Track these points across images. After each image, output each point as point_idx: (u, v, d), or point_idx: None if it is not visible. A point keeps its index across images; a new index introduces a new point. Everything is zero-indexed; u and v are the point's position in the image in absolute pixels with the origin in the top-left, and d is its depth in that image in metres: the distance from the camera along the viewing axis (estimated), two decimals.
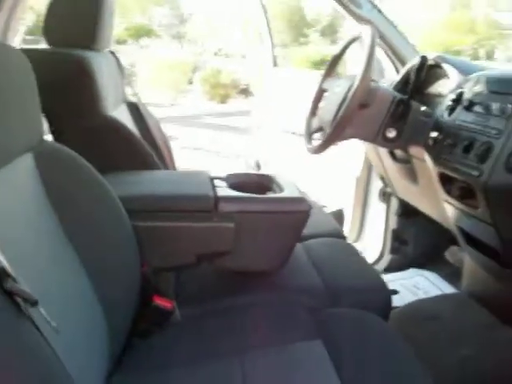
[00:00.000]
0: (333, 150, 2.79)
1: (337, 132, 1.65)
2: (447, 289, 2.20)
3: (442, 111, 1.64)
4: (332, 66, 1.93)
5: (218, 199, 1.22)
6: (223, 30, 14.67)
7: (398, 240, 2.47)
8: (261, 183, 1.40)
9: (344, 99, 1.72)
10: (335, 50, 1.92)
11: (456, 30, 12.18)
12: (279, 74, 3.40)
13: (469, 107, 1.48)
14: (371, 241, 2.60)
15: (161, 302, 1.13)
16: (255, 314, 1.16)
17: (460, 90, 1.59)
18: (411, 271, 2.39)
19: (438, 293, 2.16)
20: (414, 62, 2.00)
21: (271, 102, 3.37)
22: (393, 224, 2.47)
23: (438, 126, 1.60)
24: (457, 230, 1.63)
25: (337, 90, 1.80)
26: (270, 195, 1.27)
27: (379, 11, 2.16)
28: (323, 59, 10.66)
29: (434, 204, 1.86)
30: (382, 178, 2.35)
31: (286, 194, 1.26)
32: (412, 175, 1.89)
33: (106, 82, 1.61)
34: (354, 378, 0.96)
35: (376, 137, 1.75)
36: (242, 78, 10.63)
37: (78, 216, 0.95)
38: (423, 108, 1.76)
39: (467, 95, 1.52)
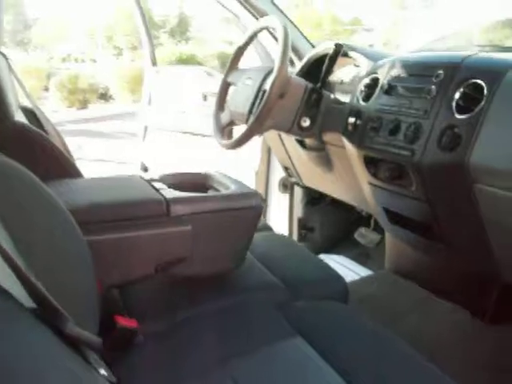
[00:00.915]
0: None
1: (258, 124, 1.62)
2: (359, 270, 2.27)
3: (355, 97, 1.67)
4: (236, 58, 1.90)
5: (168, 202, 1.12)
6: (71, 35, 14.08)
7: (304, 228, 2.51)
8: (199, 182, 1.33)
9: (259, 91, 1.70)
10: (239, 42, 1.88)
11: (304, 25, 12.74)
12: (160, 73, 3.29)
13: (388, 91, 1.52)
14: (277, 232, 2.61)
15: (124, 321, 1.02)
16: (224, 321, 1.09)
17: (373, 76, 1.63)
18: (321, 257, 2.43)
19: (352, 275, 2.21)
20: (314, 52, 2.03)
21: (155, 102, 3.26)
22: (298, 213, 2.50)
23: (355, 112, 1.63)
24: (381, 211, 1.68)
25: (248, 83, 1.77)
26: (223, 192, 1.20)
27: (273, 3, 2.16)
28: (180, 58, 10.63)
29: (350, 189, 1.91)
30: (286, 169, 2.37)
31: (236, 189, 1.21)
32: (326, 162, 1.91)
33: (5, 85, 1.44)
34: (350, 367, 0.94)
35: (292, 126, 1.75)
36: (100, 82, 10.26)
37: (27, 231, 0.82)
38: (339, 96, 1.79)
39: (384, 80, 1.56)
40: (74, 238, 0.89)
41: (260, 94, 1.69)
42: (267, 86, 1.66)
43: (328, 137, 1.79)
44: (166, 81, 3.26)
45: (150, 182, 1.24)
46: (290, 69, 2.31)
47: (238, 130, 1.86)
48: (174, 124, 3.12)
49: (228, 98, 1.94)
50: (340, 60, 1.94)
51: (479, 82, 1.30)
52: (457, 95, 1.34)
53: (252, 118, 1.66)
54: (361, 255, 2.35)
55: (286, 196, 2.62)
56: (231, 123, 1.88)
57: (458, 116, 1.31)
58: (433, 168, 1.35)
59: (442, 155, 1.31)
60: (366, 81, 1.65)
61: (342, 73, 1.94)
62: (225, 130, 1.90)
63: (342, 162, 1.81)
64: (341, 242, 2.47)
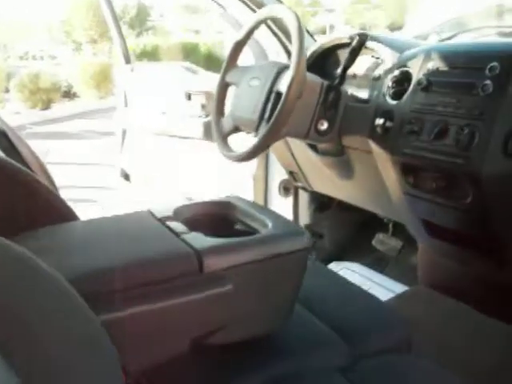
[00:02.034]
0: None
1: (275, 131, 1.40)
2: (377, 278, 2.07)
3: (381, 95, 1.45)
4: (234, 55, 1.65)
5: (200, 254, 0.86)
6: (28, 33, 13.55)
7: (312, 235, 2.29)
8: (220, 214, 1.08)
9: (270, 92, 1.47)
10: (237, 36, 1.64)
11: None
12: (135, 71, 3.02)
13: (427, 87, 1.31)
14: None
15: None
16: None
17: (403, 69, 1.41)
18: (334, 265, 2.23)
19: (370, 284, 2.01)
20: (320, 43, 1.81)
21: (132, 103, 2.99)
22: (305, 219, 2.28)
23: (383, 112, 1.42)
24: (418, 222, 1.47)
25: (255, 83, 1.53)
26: (263, 234, 0.95)
27: None
28: (144, 50, 10.27)
29: (375, 197, 1.70)
30: (291, 173, 2.14)
31: (277, 227, 0.96)
32: (344, 168, 1.70)
33: None
34: None
35: (308, 132, 1.53)
36: (63, 79, 9.82)
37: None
38: (355, 93, 1.57)
39: (420, 74, 1.34)
40: (83, 323, 0.64)
41: (272, 97, 1.46)
42: (281, 86, 1.43)
43: (349, 140, 1.57)
44: (143, 79, 2.99)
45: (164, 221, 0.98)
46: (287, 60, 2.10)
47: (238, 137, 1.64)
48: (155, 126, 2.86)
49: (229, 100, 1.69)
50: (344, 51, 1.73)
51: None
52: None
53: (266, 125, 1.43)
54: (376, 262, 2.15)
55: (288, 200, 2.40)
56: (235, 130, 1.64)
57: None
58: (497, 178, 1.14)
59: (508, 163, 1.11)
60: (395, 75, 1.43)
61: (354, 66, 1.72)
62: (228, 138, 1.66)
63: (366, 167, 1.59)
64: (352, 249, 2.26)
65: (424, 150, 1.28)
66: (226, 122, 1.64)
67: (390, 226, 2.03)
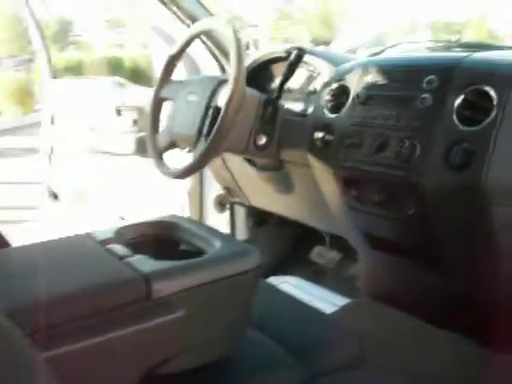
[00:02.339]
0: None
1: (216, 146, 1.37)
2: (315, 290, 2.06)
3: (320, 108, 1.45)
4: (168, 69, 1.62)
5: (148, 279, 0.81)
6: None
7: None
8: (164, 235, 1.03)
9: (208, 107, 1.44)
10: (172, 50, 1.60)
11: None
12: (62, 87, 2.91)
13: (366, 101, 1.31)
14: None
15: None
16: None
17: (341, 83, 1.42)
18: (273, 279, 2.21)
19: (309, 298, 1.99)
20: (256, 57, 1.80)
21: (59, 119, 2.87)
22: (242, 235, 2.25)
23: (322, 126, 1.41)
24: (360, 235, 1.47)
25: (192, 99, 1.50)
26: (212, 254, 0.90)
27: (200, 3, 1.88)
28: (68, 65, 9.98)
29: (314, 211, 1.70)
30: (227, 189, 2.11)
31: (226, 247, 0.92)
32: (283, 182, 1.68)
33: None
34: None
35: (247, 147, 1.50)
36: None
37: None
38: (293, 107, 1.57)
39: (358, 88, 1.35)
40: (22, 362, 0.58)
41: (211, 112, 1.43)
42: (220, 101, 1.41)
43: (288, 155, 1.56)
44: (71, 95, 2.88)
45: (105, 245, 0.92)
46: (220, 75, 2.08)
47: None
48: (84, 143, 2.75)
49: (164, 116, 1.65)
50: (280, 65, 1.73)
51: (485, 88, 1.11)
52: (457, 104, 1.15)
53: (205, 141, 1.40)
54: (314, 275, 2.15)
55: (224, 216, 2.37)
56: (172, 146, 1.60)
57: (463, 128, 1.12)
58: (438, 189, 1.16)
59: (450, 175, 1.12)
60: (332, 89, 1.43)
61: (296, 80, 1.72)
62: (163, 154, 1.61)
63: (305, 182, 1.59)
64: (290, 262, 2.25)
65: (365, 163, 1.28)
66: (162, 138, 1.60)
67: (328, 238, 2.03)
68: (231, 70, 1.34)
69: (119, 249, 0.92)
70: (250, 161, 1.75)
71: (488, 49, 1.53)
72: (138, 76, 9.63)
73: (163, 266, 0.85)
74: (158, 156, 1.58)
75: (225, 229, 2.34)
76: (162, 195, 2.51)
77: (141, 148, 2.46)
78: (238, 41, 1.35)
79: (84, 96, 2.80)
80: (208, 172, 2.28)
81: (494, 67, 1.16)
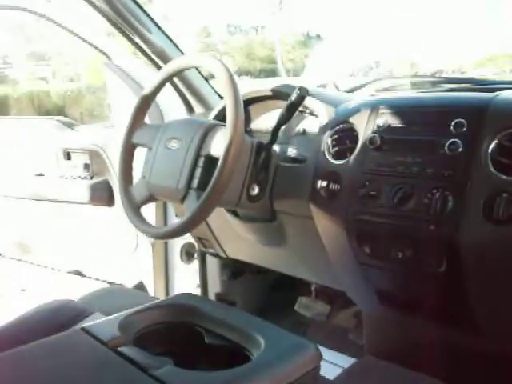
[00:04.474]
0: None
1: (213, 200, 1.19)
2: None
3: (321, 154, 1.31)
4: (141, 111, 1.43)
5: None
6: None
7: (224, 303, 2.07)
8: (183, 322, 0.82)
9: (198, 156, 1.26)
10: (146, 89, 1.42)
11: None
12: None
13: (381, 146, 1.18)
14: None
15: None
16: None
17: (345, 126, 1.28)
18: None
19: None
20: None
21: None
22: (215, 288, 2.06)
23: (326, 174, 1.27)
24: (369, 292, 1.33)
25: (175, 146, 1.33)
26: (257, 359, 0.70)
27: (167, 36, 1.72)
28: None
29: (311, 265, 1.54)
30: (200, 239, 1.92)
31: (271, 344, 0.72)
32: (275, 234, 1.52)
33: None
34: None
35: (240, 199, 1.34)
36: None
37: None
38: (288, 152, 1.42)
39: (367, 131, 1.22)
40: None
41: (202, 161, 1.26)
42: (213, 149, 1.25)
43: (283, 205, 1.41)
44: (9, 137, 2.62)
45: (116, 348, 0.70)
46: (187, 115, 1.91)
47: None
48: (28, 190, 2.50)
49: (135, 164, 1.46)
50: (262, 104, 1.59)
51: None
52: (491, 149, 1.03)
53: (198, 195, 1.23)
54: (302, 329, 1.99)
55: (192, 266, 2.18)
56: (150, 199, 1.41)
57: (503, 177, 1.01)
58: (478, 245, 1.03)
59: (492, 229, 1.00)
60: (335, 132, 1.30)
61: (266, 119, 1.58)
62: (140, 208, 1.42)
63: (303, 234, 1.44)
64: (271, 315, 2.07)
65: (385, 216, 1.15)
66: (138, 191, 1.40)
67: (313, 288, 1.87)
68: (228, 113, 1.18)
69: (136, 354, 0.72)
70: (231, 211, 1.58)
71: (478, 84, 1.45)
72: (65, 112, 9.23)
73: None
74: (135, 212, 1.38)
75: (194, 281, 2.15)
76: (119, 245, 2.30)
77: (96, 195, 2.24)
78: (232, 80, 1.20)
79: (27, 137, 2.55)
80: (172, 217, 2.09)
81: None
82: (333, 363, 1.70)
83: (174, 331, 0.82)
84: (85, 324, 0.79)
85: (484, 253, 1.03)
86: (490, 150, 1.04)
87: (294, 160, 1.39)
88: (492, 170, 1.02)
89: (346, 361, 1.59)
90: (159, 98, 1.49)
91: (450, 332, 1.25)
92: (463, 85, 1.51)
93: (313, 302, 1.86)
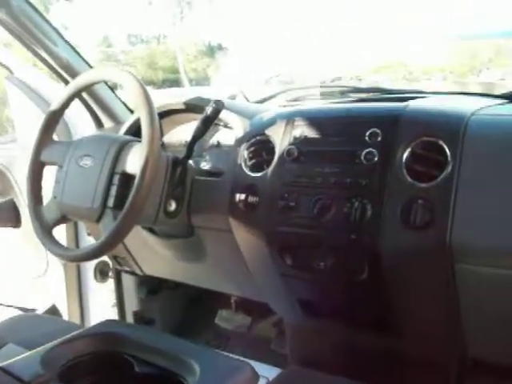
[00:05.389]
0: None
1: (131, 219, 1.16)
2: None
3: (238, 167, 1.31)
4: (49, 128, 1.37)
5: None
6: None
7: (141, 321, 2.02)
8: (109, 352, 0.78)
9: (113, 174, 1.22)
10: (53, 105, 1.36)
11: None
12: None
13: (298, 158, 1.20)
14: None
15: None
16: None
17: (261, 138, 1.29)
18: None
19: None
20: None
21: None
22: (132, 306, 2.00)
23: (244, 187, 1.27)
24: (292, 302, 1.34)
25: (87, 163, 1.28)
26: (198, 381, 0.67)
27: (73, 49, 1.65)
28: None
29: (228, 277, 1.53)
30: (115, 258, 1.86)
31: (207, 368, 0.69)
32: (194, 249, 1.49)
33: None
34: None
35: (157, 216, 1.31)
36: None
37: None
38: (203, 166, 1.40)
39: (283, 143, 1.23)
40: None
41: (117, 179, 1.22)
42: (129, 165, 1.21)
43: (201, 220, 1.39)
44: None
45: None
46: (96, 130, 1.85)
47: None
48: None
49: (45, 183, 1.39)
50: (174, 117, 1.57)
51: (433, 140, 1.05)
52: (405, 157, 1.07)
53: (114, 214, 1.19)
54: (223, 342, 1.97)
55: (107, 285, 2.10)
56: (63, 220, 1.35)
57: (418, 184, 1.04)
58: (397, 251, 1.06)
59: (410, 235, 1.04)
60: (251, 145, 1.30)
61: (178, 133, 1.56)
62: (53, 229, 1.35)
63: (222, 248, 1.42)
64: (192, 330, 2.05)
65: (306, 227, 1.16)
66: (49, 212, 1.34)
67: (233, 300, 1.86)
68: (144, 128, 1.15)
69: None
70: (147, 228, 1.54)
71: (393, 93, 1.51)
72: None
73: None
74: (47, 234, 1.32)
75: (109, 300, 2.08)
76: (28, 267, 2.18)
77: (1, 216, 2.12)
78: (146, 94, 1.17)
79: None
80: (84, 235, 2.01)
81: (437, 117, 1.11)
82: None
83: (101, 362, 0.78)
84: (1, 362, 0.73)
85: (403, 259, 1.06)
86: (404, 159, 1.07)
87: (210, 173, 1.38)
88: (407, 177, 1.05)
89: (270, 371, 1.59)
90: (66, 112, 1.43)
91: (373, 337, 1.28)
92: (372, 94, 1.55)
93: (233, 315, 1.86)
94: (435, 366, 1.26)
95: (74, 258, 1.25)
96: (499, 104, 1.29)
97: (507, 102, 1.32)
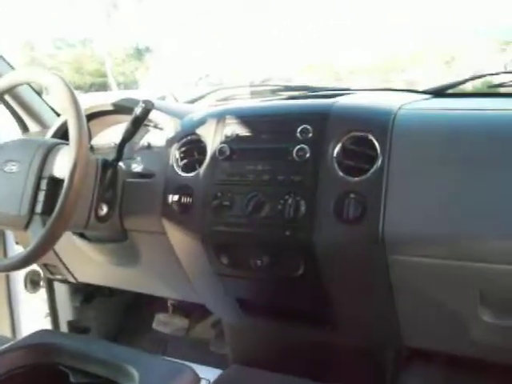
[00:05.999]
0: None
1: (62, 225, 1.12)
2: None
3: (170, 168, 1.29)
4: None
5: None
6: None
7: (76, 330, 1.97)
8: (44, 364, 0.75)
9: (40, 178, 1.19)
10: None
11: None
12: None
13: (231, 156, 1.19)
14: None
15: None
16: None
17: (192, 138, 1.28)
18: None
19: None
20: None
21: None
22: (66, 315, 1.95)
23: (177, 188, 1.26)
24: (230, 302, 1.34)
25: (13, 168, 1.24)
26: None
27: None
28: None
29: (164, 280, 1.51)
30: (46, 266, 1.80)
31: (146, 374, 0.68)
32: (127, 254, 1.47)
33: None
34: None
35: (88, 220, 1.27)
36: None
37: None
38: (134, 168, 1.38)
39: (215, 142, 1.22)
40: None
41: (44, 183, 1.18)
42: (56, 169, 1.18)
43: (133, 223, 1.37)
44: None
45: None
46: (22, 134, 1.79)
47: None
48: None
49: None
50: (102, 119, 1.54)
51: (362, 134, 1.08)
52: (336, 152, 1.09)
53: (43, 220, 1.16)
54: (161, 346, 1.94)
55: (38, 295, 2.03)
56: None
57: (349, 179, 1.06)
58: (332, 246, 1.07)
59: (343, 229, 1.05)
60: (182, 145, 1.29)
61: (108, 135, 1.53)
62: None
63: (156, 251, 1.40)
64: (128, 335, 2.01)
65: (241, 225, 1.16)
66: None
67: (170, 304, 1.84)
68: (71, 131, 1.12)
69: None
70: (78, 233, 1.49)
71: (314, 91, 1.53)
72: None
73: None
74: None
75: (42, 311, 2.01)
76: None
77: None
78: (73, 96, 1.14)
79: None
80: (12, 243, 1.93)
81: (365, 112, 1.13)
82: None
83: (35, 374, 0.75)
84: None
85: (338, 253, 1.08)
86: (335, 154, 1.08)
87: (141, 175, 1.36)
88: (339, 172, 1.07)
89: (211, 372, 1.58)
90: None
91: (311, 331, 1.29)
92: (301, 92, 1.57)
93: (170, 318, 1.83)
94: (372, 356, 1.29)
95: (4, 268, 1.20)
96: (425, 99, 1.33)
97: (432, 97, 1.36)
